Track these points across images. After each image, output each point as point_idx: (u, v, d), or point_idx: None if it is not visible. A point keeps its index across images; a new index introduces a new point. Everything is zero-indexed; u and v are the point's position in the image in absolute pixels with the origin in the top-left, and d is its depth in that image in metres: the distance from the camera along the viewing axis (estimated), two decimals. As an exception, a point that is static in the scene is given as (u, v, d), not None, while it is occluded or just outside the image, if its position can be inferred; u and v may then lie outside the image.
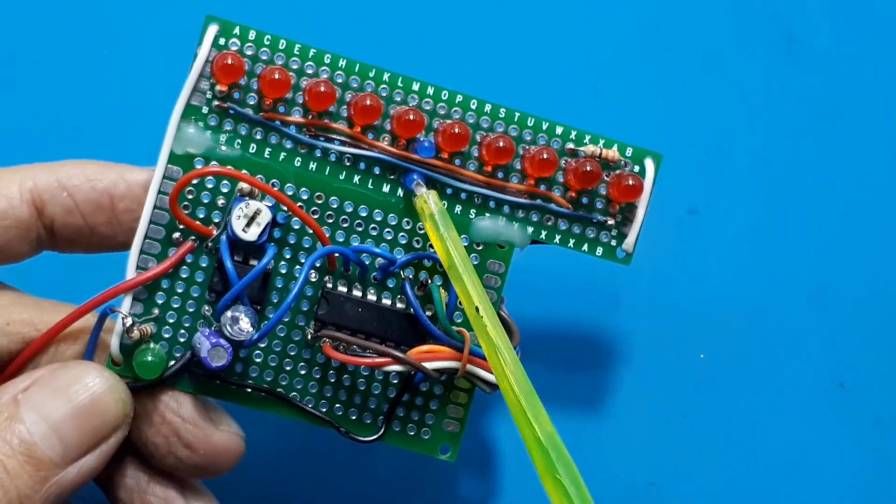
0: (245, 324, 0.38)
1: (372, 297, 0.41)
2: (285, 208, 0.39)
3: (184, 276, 0.39)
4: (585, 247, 0.42)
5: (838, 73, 0.54)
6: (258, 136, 0.39)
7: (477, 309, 0.38)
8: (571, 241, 0.42)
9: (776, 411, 0.51)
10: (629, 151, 0.42)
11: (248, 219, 0.38)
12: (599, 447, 0.50)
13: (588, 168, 0.41)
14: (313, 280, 0.40)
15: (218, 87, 0.39)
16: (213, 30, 0.39)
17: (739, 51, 0.53)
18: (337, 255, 0.40)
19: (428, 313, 0.41)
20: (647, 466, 0.50)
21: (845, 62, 0.54)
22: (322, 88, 0.39)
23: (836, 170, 0.53)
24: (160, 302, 0.39)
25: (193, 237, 0.39)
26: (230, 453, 0.40)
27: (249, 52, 0.39)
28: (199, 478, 0.41)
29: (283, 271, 0.40)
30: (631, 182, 0.41)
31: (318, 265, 0.40)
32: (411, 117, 0.39)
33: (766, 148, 0.53)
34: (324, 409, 0.41)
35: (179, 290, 0.39)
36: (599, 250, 0.42)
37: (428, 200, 0.39)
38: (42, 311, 0.40)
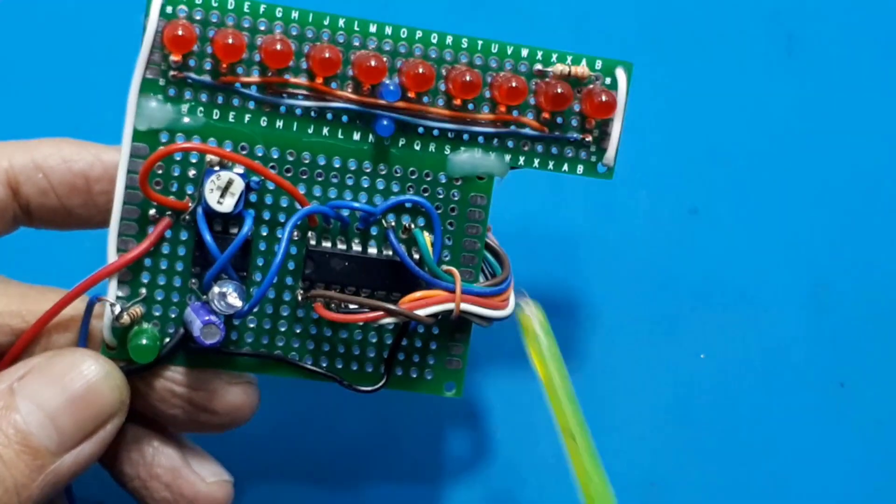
0: (233, 298, 0.37)
1: (357, 247, 0.40)
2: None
3: (165, 252, 0.39)
4: (566, 167, 0.41)
5: (838, 73, 0.53)
6: (220, 101, 0.39)
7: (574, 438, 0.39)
8: (551, 164, 0.41)
9: (776, 411, 0.52)
10: (598, 64, 0.41)
11: (222, 190, 0.38)
12: (599, 447, 0.49)
13: (559, 90, 0.40)
14: (296, 239, 0.40)
15: (172, 58, 0.38)
16: (157, -1, 0.38)
17: (739, 50, 0.53)
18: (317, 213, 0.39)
19: (415, 257, 0.40)
20: (647, 466, 0.51)
21: (845, 62, 0.53)
22: (278, 46, 0.38)
23: (836, 169, 0.53)
24: (145, 281, 0.39)
25: (169, 212, 0.39)
26: (247, 404, 0.41)
27: (199, 17, 0.38)
28: (223, 432, 0.41)
29: (264, 234, 0.40)
30: (604, 98, 0.40)
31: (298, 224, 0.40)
32: (373, 63, 0.38)
33: (766, 147, 0.52)
34: (324, 365, 0.41)
35: (163, 267, 0.39)
36: (580, 168, 0.42)
37: (533, 321, 0.40)
38: (28, 299, 0.40)
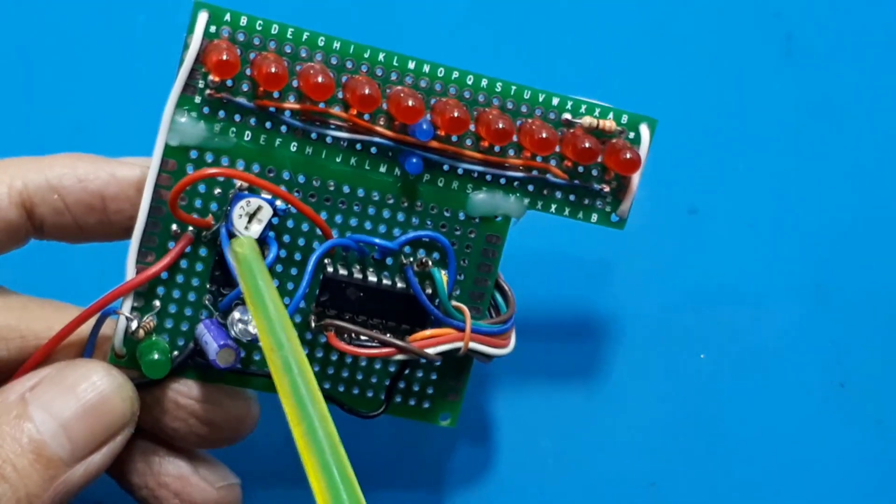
0: (252, 327, 0.38)
1: (372, 277, 0.40)
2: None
3: (183, 267, 0.39)
4: (581, 214, 0.42)
5: (838, 73, 0.53)
6: (252, 124, 0.38)
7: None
8: (567, 210, 0.42)
9: (776, 411, 0.52)
10: (624, 119, 0.42)
11: (250, 216, 0.38)
12: (599, 447, 0.51)
13: (587, 145, 0.40)
14: (313, 264, 0.40)
15: (211, 78, 0.37)
16: (203, 17, 0.37)
17: (739, 50, 0.53)
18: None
19: (427, 291, 0.41)
20: (647, 466, 0.51)
21: (845, 62, 0.53)
22: (320, 79, 0.38)
23: (835, 170, 0.53)
24: (160, 294, 0.39)
25: (191, 229, 0.39)
26: (248, 418, 0.41)
27: (241, 39, 0.38)
28: (224, 446, 0.41)
29: (283, 256, 0.40)
30: (629, 156, 0.41)
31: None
32: (410, 104, 0.38)
33: (765, 147, 0.53)
34: (327, 387, 0.42)
35: (179, 282, 0.39)
36: (594, 217, 0.42)
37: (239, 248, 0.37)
38: (28, 314, 0.40)
